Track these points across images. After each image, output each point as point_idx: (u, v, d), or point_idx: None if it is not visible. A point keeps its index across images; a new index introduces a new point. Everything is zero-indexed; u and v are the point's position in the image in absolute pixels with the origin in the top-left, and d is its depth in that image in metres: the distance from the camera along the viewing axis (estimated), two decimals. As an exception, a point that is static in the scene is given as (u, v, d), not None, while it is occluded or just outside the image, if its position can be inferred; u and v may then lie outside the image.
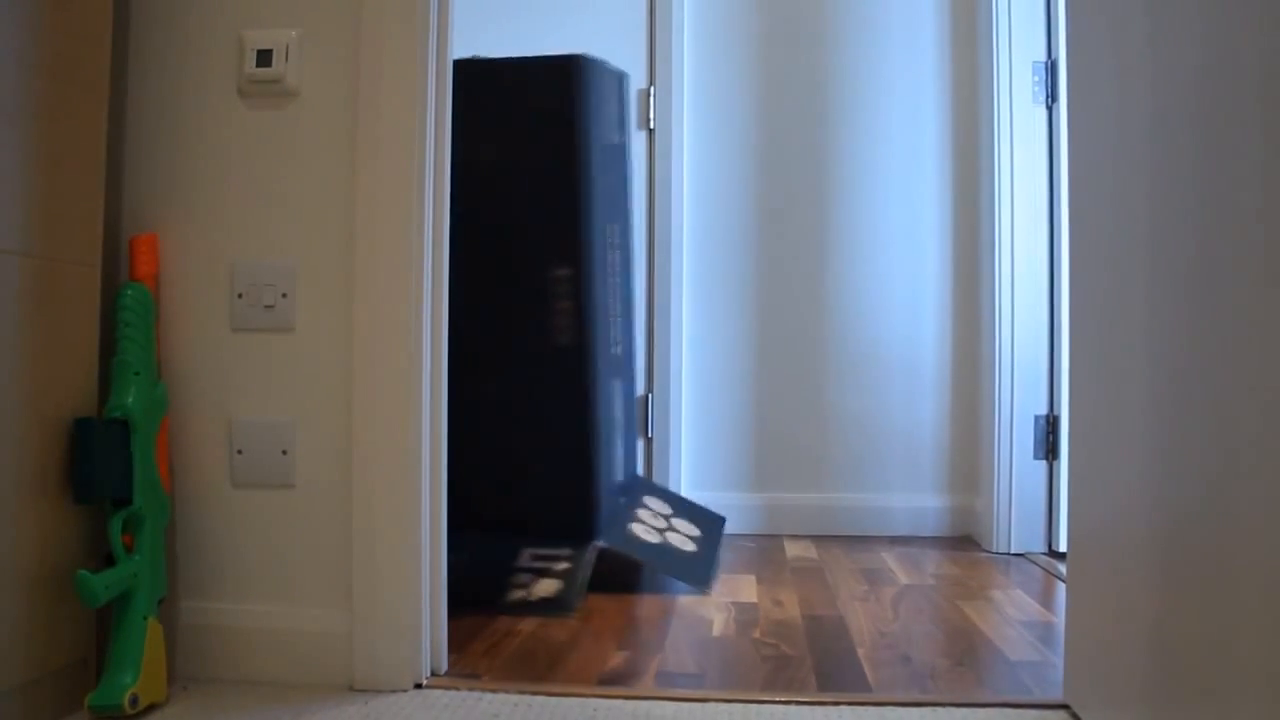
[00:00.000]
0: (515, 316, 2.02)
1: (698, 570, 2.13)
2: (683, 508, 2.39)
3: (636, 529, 2.14)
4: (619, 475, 2.25)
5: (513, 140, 2.02)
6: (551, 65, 2.02)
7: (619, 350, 2.23)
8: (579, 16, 2.91)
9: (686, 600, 1.98)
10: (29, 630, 1.24)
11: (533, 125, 2.02)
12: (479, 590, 1.88)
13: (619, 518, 2.17)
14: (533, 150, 2.02)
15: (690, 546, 2.20)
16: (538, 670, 1.52)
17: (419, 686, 1.42)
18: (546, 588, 1.89)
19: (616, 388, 2.21)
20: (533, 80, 2.02)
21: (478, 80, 2.01)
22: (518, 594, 1.89)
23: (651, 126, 2.87)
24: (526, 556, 1.96)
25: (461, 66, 1.98)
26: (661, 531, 2.20)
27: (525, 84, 2.02)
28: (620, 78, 2.27)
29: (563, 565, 1.93)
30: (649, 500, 2.34)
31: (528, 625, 1.78)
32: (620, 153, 2.27)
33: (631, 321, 2.41)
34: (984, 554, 2.54)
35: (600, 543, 2.02)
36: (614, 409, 2.21)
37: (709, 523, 2.39)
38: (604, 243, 2.15)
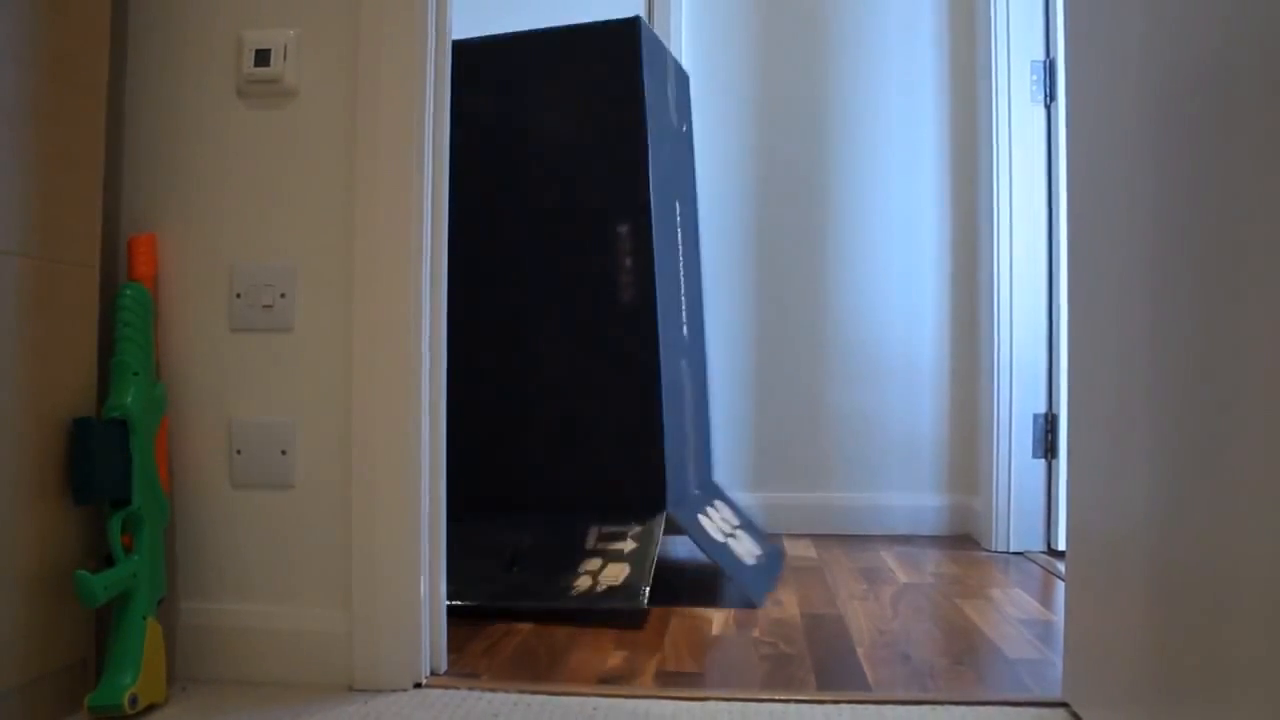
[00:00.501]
0: (577, 275, 1.95)
1: (757, 582, 2.05)
2: (749, 525, 2.34)
3: (704, 521, 2.08)
4: (689, 457, 2.17)
5: (573, 102, 1.99)
6: (611, 27, 2.00)
7: (687, 334, 2.17)
8: (577, 11, 2.91)
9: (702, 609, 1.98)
10: (28, 631, 1.24)
11: (593, 85, 1.98)
12: (541, 584, 1.81)
13: (689, 501, 2.10)
14: (593, 108, 1.98)
15: (751, 561, 2.13)
16: (537, 669, 1.52)
17: (418, 686, 1.42)
18: (614, 573, 1.80)
19: (684, 369, 2.13)
20: (592, 42, 1.99)
21: (531, 50, 1.99)
22: (584, 582, 1.81)
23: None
24: (593, 536, 1.87)
25: (516, 39, 2.00)
26: (726, 536, 2.13)
27: (584, 46, 1.99)
28: (676, 63, 2.25)
29: (630, 545, 1.85)
30: (719, 504, 2.29)
31: (525, 625, 1.78)
32: (682, 138, 2.24)
33: (701, 315, 2.34)
34: (983, 553, 2.54)
35: (669, 512, 1.94)
36: (683, 386, 2.13)
37: (770, 550, 2.34)
38: (668, 208, 2.09)
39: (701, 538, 1.99)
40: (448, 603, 1.76)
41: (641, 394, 1.94)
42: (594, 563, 1.84)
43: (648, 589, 1.78)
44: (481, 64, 2.01)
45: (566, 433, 1.96)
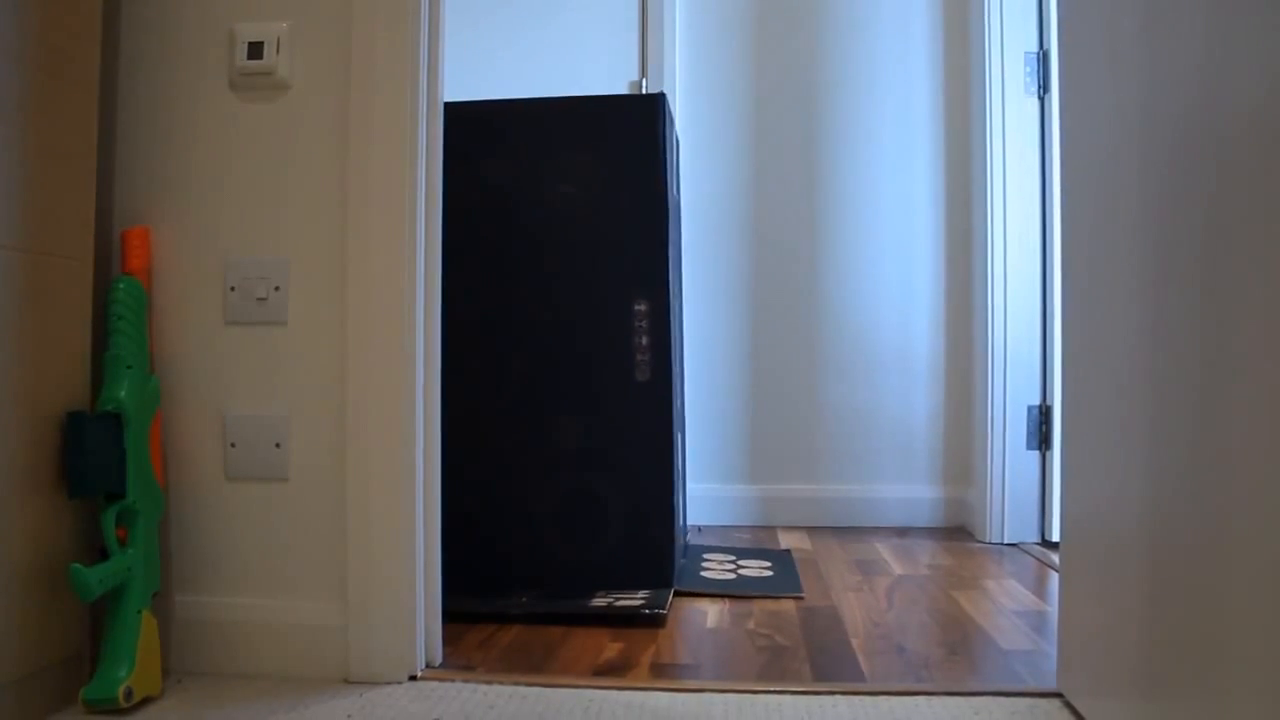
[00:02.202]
0: (595, 350, 1.97)
1: (785, 584, 2.07)
2: (747, 554, 2.37)
3: (708, 574, 2.12)
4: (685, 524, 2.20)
5: (594, 173, 1.99)
6: (638, 102, 2.01)
7: (679, 401, 2.19)
8: (572, 14, 2.91)
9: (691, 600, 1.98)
10: (23, 625, 1.24)
11: (617, 160, 1.99)
12: (555, 604, 1.83)
13: (688, 568, 2.15)
14: (615, 184, 1.99)
15: (767, 573, 2.16)
16: (533, 662, 1.52)
17: (414, 678, 1.42)
18: (629, 601, 1.83)
19: (680, 435, 2.16)
20: (617, 114, 2.00)
21: (557, 116, 2.00)
22: (600, 601, 1.83)
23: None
24: (600, 594, 1.89)
25: (541, 104, 2.00)
26: (733, 571, 2.17)
27: (608, 117, 2.00)
28: (673, 126, 2.27)
29: (641, 595, 1.88)
30: (709, 556, 2.32)
31: (522, 618, 1.78)
32: (678, 205, 2.26)
33: (682, 371, 2.35)
34: (977, 544, 2.54)
35: (677, 587, 1.97)
36: (682, 455, 2.16)
37: (777, 555, 2.36)
38: (678, 280, 2.09)
39: (713, 586, 2.02)
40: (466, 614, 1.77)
41: (655, 472, 1.96)
42: (606, 599, 1.86)
43: (668, 597, 1.84)
44: (502, 126, 2.01)
45: (575, 506, 1.97)
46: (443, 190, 1.51)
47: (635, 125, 1.99)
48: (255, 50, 1.44)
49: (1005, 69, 2.56)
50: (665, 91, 2.06)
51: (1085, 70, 1.27)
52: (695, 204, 2.89)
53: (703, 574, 2.12)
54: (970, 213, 2.78)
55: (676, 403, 2.04)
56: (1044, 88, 2.54)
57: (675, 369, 2.03)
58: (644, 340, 1.96)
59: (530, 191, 1.99)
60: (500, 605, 1.81)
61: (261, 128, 1.46)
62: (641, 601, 1.82)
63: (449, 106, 1.98)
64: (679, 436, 2.10)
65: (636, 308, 1.96)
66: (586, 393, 1.97)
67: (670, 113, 2.11)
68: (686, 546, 2.40)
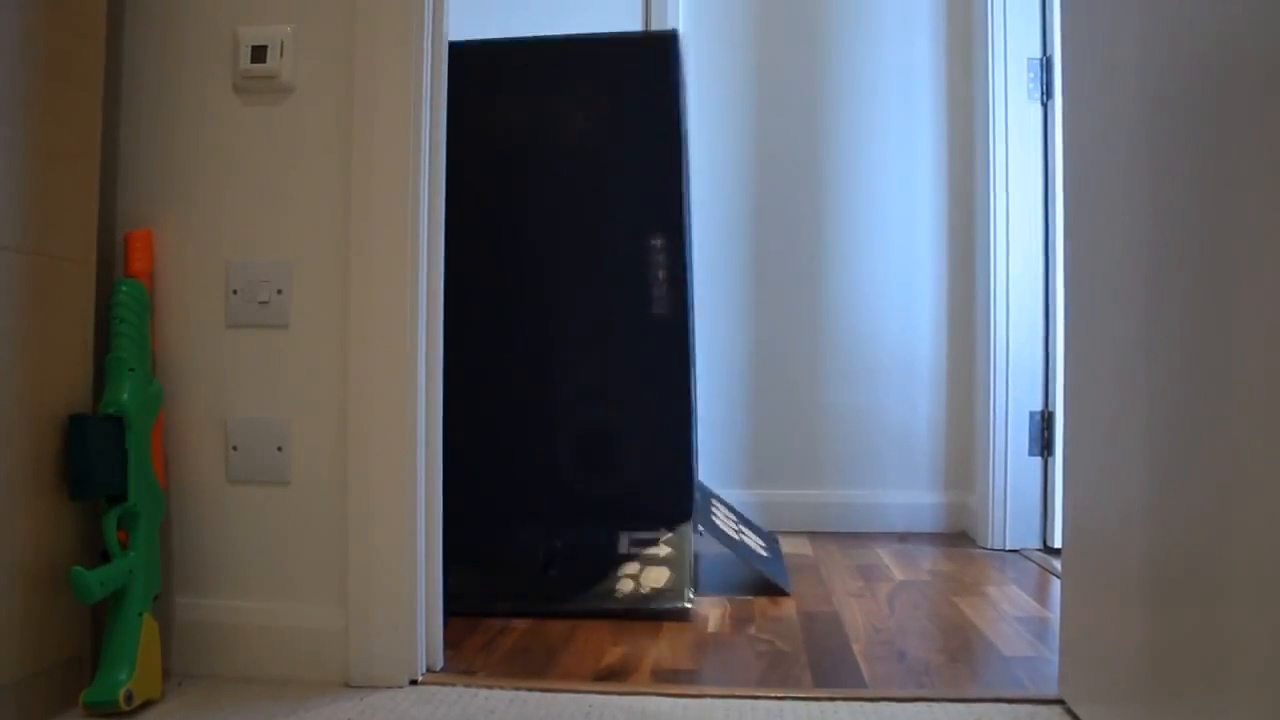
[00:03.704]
0: (608, 286, 1.95)
1: (777, 571, 2.10)
2: (744, 520, 2.38)
3: (717, 522, 2.11)
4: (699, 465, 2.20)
5: (608, 111, 1.98)
6: (653, 39, 2.00)
7: (693, 337, 2.19)
8: (574, 13, 2.91)
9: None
10: (23, 627, 1.24)
11: (633, 97, 1.97)
12: (579, 583, 1.83)
13: (702, 508, 2.13)
14: (630, 121, 1.97)
15: (762, 552, 2.18)
16: (534, 666, 1.52)
17: (414, 683, 1.42)
18: (655, 577, 1.83)
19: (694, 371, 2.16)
20: (631, 52, 1.98)
21: (573, 55, 1.99)
22: (626, 585, 1.83)
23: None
24: (625, 542, 1.89)
25: (556, 43, 1.99)
26: (736, 531, 2.17)
27: (622, 55, 1.98)
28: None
29: (665, 550, 1.87)
30: (716, 505, 2.32)
31: (522, 623, 1.78)
32: (688, 142, 2.25)
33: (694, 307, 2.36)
34: (979, 550, 2.54)
35: (700, 528, 1.97)
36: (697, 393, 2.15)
37: (769, 538, 2.38)
38: (690, 220, 2.08)
39: (724, 539, 2.03)
40: (495, 608, 1.80)
41: (673, 406, 1.96)
42: (632, 567, 1.86)
43: (691, 590, 1.82)
44: (508, 65, 2.00)
45: (594, 442, 1.97)
46: (445, 191, 1.51)
47: (650, 63, 1.96)
48: (259, 54, 1.45)
49: (1009, 75, 2.56)
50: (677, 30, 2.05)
51: (1088, 76, 1.27)
52: (696, 206, 2.89)
53: (713, 519, 2.11)
54: (973, 218, 2.78)
55: (691, 338, 2.03)
56: (1047, 94, 2.54)
57: (690, 304, 2.02)
58: (660, 274, 1.95)
59: (546, 129, 1.97)
60: (524, 595, 1.80)
61: (265, 131, 1.46)
62: (667, 577, 1.81)
63: (464, 46, 1.92)
64: (694, 372, 2.10)
65: (653, 243, 1.95)
66: (603, 327, 1.96)
67: (682, 53, 2.11)
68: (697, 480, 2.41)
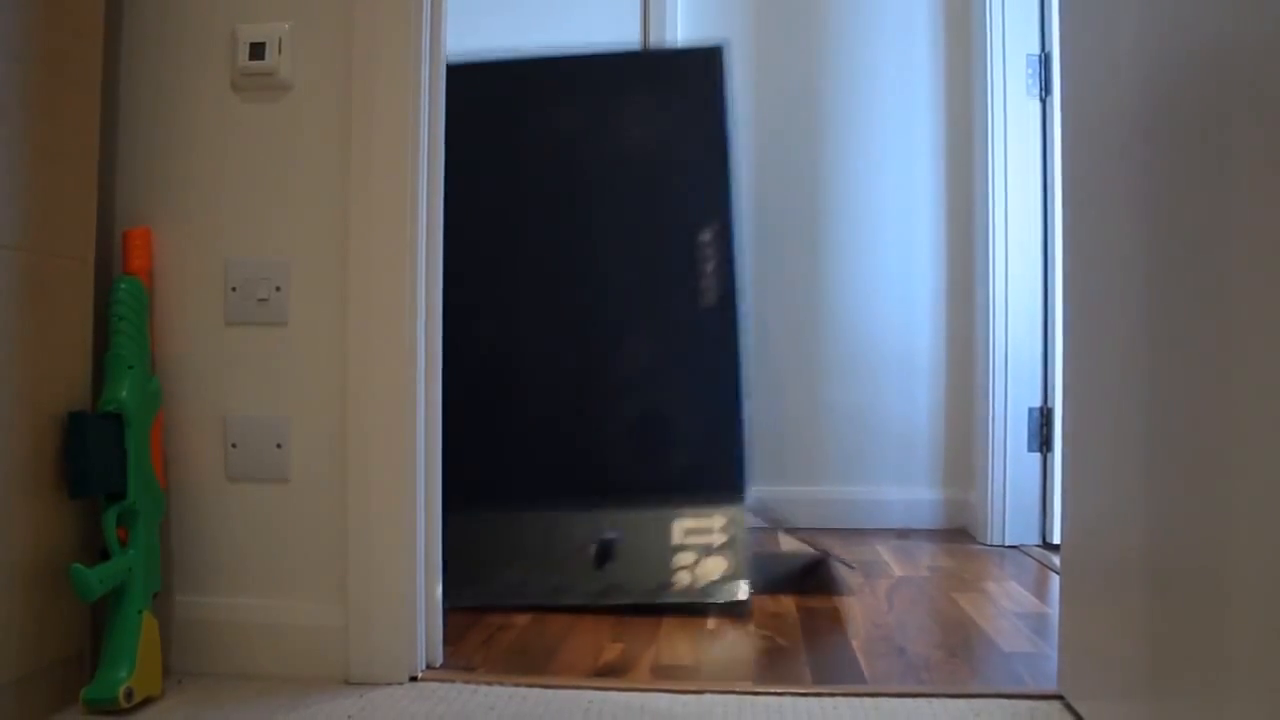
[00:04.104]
0: (664, 279, 2.03)
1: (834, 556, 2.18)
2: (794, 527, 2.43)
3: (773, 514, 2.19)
4: None
5: (662, 118, 2.07)
6: (705, 53, 2.10)
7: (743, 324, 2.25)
8: (573, 9, 2.91)
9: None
10: (23, 624, 1.24)
11: (682, 103, 2.07)
12: (633, 577, 1.87)
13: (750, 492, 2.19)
14: (682, 125, 2.07)
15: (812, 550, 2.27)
16: (533, 662, 1.52)
17: (414, 679, 1.42)
18: (712, 568, 1.87)
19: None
20: (682, 63, 2.09)
21: (627, 66, 2.11)
22: (683, 577, 1.86)
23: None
24: (679, 532, 1.92)
25: (611, 57, 2.11)
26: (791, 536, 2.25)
27: (673, 67, 2.09)
28: None
29: (720, 539, 1.91)
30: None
31: (522, 619, 1.78)
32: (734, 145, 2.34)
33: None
34: (978, 546, 2.54)
35: (750, 503, 2.01)
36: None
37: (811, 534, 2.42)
38: (739, 216, 2.16)
39: (780, 520, 2.10)
40: (538, 603, 1.84)
41: (723, 390, 2.01)
42: (687, 557, 1.89)
43: (746, 583, 1.84)
44: (567, 76, 2.11)
45: (648, 425, 2.00)
46: (444, 188, 1.51)
47: (701, 73, 2.07)
48: (257, 51, 1.44)
49: (1007, 71, 2.56)
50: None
51: (1087, 72, 1.27)
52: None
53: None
54: (972, 214, 2.78)
55: (739, 326, 2.08)
56: (1046, 89, 2.54)
57: (737, 292, 2.08)
58: (709, 267, 2.01)
59: (604, 133, 2.07)
60: (579, 590, 1.85)
61: (263, 128, 1.46)
62: (723, 568, 1.85)
63: (527, 61, 2.07)
64: (743, 358, 2.15)
65: (702, 238, 2.01)
66: (658, 316, 2.02)
67: (728, 65, 2.20)
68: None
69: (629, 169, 2.06)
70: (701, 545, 1.90)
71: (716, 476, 1.98)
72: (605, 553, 1.88)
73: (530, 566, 1.89)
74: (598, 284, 2.04)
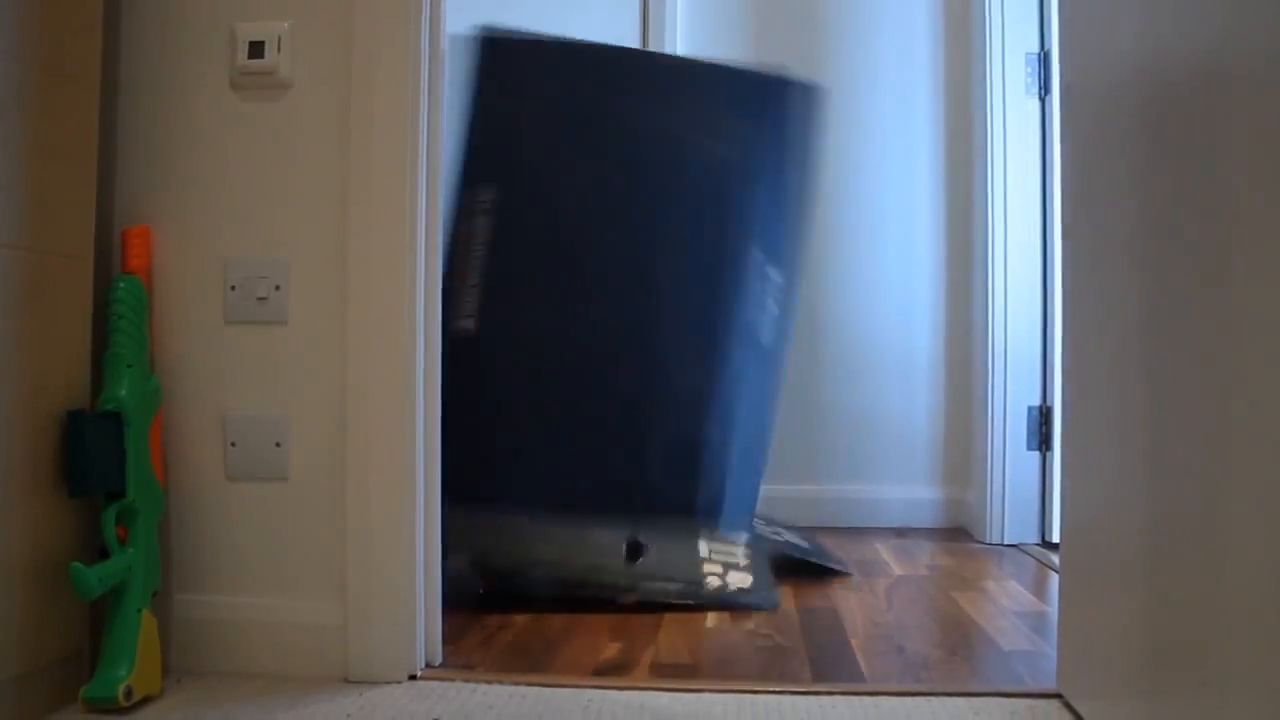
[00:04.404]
0: (723, 306, 1.98)
1: (827, 557, 2.21)
2: (774, 521, 2.43)
3: (763, 530, 2.20)
4: None
5: (752, 143, 2.03)
6: (807, 89, 2.08)
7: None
8: (572, 9, 2.90)
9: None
10: (23, 623, 1.24)
11: (769, 134, 2.04)
12: (665, 575, 1.90)
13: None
14: (765, 156, 2.03)
15: (807, 545, 2.27)
16: (533, 661, 1.52)
17: (413, 678, 1.42)
18: (739, 579, 1.92)
19: None
20: (783, 94, 2.07)
21: (721, 79, 2.06)
22: (714, 581, 1.90)
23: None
24: (705, 548, 1.95)
25: (707, 66, 2.10)
26: (780, 535, 2.27)
27: (773, 93, 2.06)
28: None
29: (744, 560, 1.96)
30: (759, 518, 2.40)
31: (521, 618, 1.78)
32: None
33: None
34: (977, 545, 2.54)
35: (763, 536, 2.08)
36: None
37: (801, 532, 2.42)
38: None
39: (781, 545, 2.15)
40: (573, 576, 1.86)
41: (759, 428, 2.04)
42: (715, 568, 1.92)
43: (777, 593, 1.94)
44: (643, 73, 2.05)
45: (686, 448, 1.98)
46: (444, 187, 1.51)
47: (800, 108, 2.06)
48: (256, 49, 1.44)
49: (1006, 70, 2.56)
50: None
51: (1086, 70, 1.27)
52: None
53: (760, 530, 2.19)
54: (971, 213, 2.78)
55: (784, 371, 2.11)
56: (1045, 89, 2.54)
57: (790, 341, 2.10)
58: (771, 304, 2.00)
59: (681, 144, 2.00)
60: (608, 583, 1.87)
61: (262, 127, 1.46)
62: (750, 581, 1.91)
63: (599, 48, 2.05)
64: (777, 403, 2.18)
65: (769, 274, 2.00)
66: (710, 343, 1.98)
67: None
68: None
69: (707, 184, 2.00)
70: (727, 562, 1.93)
71: (738, 508, 2.00)
72: (636, 550, 1.89)
73: (565, 547, 1.90)
74: (656, 296, 1.98)
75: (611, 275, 1.98)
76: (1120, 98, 1.14)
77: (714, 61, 2.09)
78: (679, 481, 1.96)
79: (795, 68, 2.87)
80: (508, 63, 2.01)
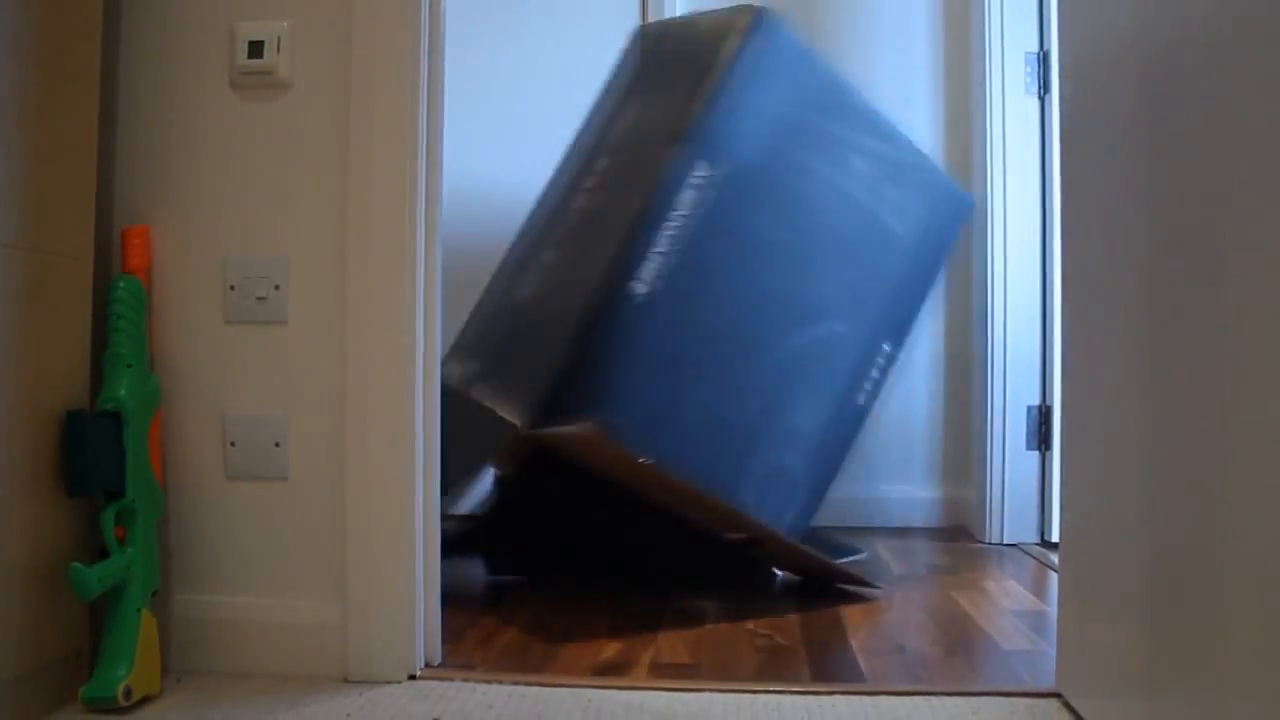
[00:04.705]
0: (833, 362, 2.00)
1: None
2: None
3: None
4: None
5: (918, 232, 2.09)
6: (972, 198, 2.20)
7: None
8: (572, 12, 2.90)
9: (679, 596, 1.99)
10: (22, 623, 1.24)
11: (937, 233, 2.11)
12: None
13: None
14: (927, 247, 2.10)
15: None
16: (532, 661, 1.52)
17: (413, 678, 1.42)
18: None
19: None
20: (960, 201, 2.20)
21: (913, 163, 2.12)
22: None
23: (644, 118, 2.86)
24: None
25: (902, 144, 2.12)
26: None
27: (952, 199, 2.17)
28: None
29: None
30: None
31: (521, 619, 1.78)
32: None
33: None
34: (977, 544, 2.54)
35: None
36: None
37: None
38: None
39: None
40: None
41: (828, 477, 2.08)
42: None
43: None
44: (861, 118, 2.09)
45: (781, 481, 1.98)
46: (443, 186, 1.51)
47: (965, 216, 2.19)
48: (256, 49, 1.44)
49: (1005, 69, 2.56)
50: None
51: (1086, 70, 1.27)
52: (695, 204, 2.88)
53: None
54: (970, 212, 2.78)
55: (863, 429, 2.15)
56: (1044, 88, 2.54)
57: (870, 414, 2.12)
58: (875, 374, 2.04)
59: (860, 203, 2.02)
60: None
61: (262, 127, 1.46)
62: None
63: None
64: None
65: (884, 346, 2.05)
66: (816, 388, 1.99)
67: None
68: None
69: (871, 249, 2.03)
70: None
71: (803, 525, 2.04)
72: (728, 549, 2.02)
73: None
74: (799, 329, 1.97)
75: (775, 290, 1.97)
76: (1120, 96, 1.14)
77: (919, 151, 2.17)
78: (770, 507, 1.96)
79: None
80: (773, 60, 2.02)
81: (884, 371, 2.07)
